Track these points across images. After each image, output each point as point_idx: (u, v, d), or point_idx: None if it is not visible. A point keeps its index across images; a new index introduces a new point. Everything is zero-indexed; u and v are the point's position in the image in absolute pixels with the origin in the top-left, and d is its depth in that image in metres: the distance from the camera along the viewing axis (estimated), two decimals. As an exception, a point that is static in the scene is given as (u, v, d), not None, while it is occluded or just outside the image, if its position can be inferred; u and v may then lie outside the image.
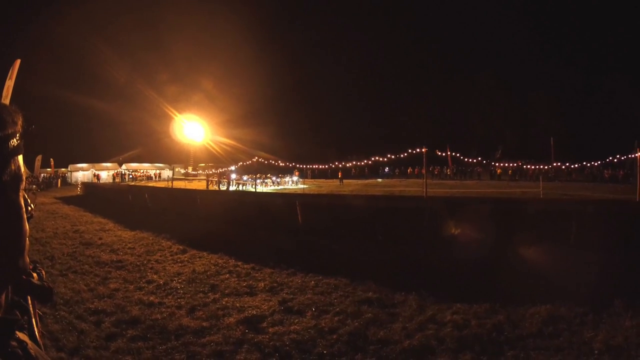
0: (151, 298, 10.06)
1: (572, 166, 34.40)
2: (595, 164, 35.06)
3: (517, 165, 40.86)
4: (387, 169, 74.20)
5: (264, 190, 38.40)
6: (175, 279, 11.78)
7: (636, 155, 20.83)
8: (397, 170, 72.67)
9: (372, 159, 34.66)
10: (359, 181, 56.00)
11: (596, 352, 7.29)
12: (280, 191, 38.84)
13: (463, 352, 7.00)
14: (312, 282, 10.74)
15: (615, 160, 32.07)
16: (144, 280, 11.67)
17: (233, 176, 43.81)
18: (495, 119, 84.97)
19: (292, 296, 9.77)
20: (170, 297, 10.19)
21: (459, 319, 8.36)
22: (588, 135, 72.29)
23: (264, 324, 8.18)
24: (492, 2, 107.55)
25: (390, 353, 6.98)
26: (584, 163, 33.38)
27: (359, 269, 11.66)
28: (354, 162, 36.67)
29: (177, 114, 57.18)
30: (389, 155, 32.62)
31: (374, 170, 67.70)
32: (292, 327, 7.91)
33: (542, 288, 10.36)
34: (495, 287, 10.37)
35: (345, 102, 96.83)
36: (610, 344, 7.56)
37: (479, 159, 36.61)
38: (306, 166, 44.06)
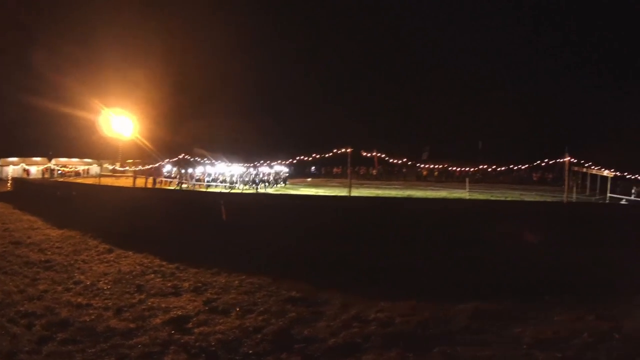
0: (79, 299, 10.24)
1: (499, 169, 35.98)
2: (523, 167, 37.08)
3: (444, 167, 42.29)
4: (313, 169, 75.61)
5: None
6: (102, 279, 12.01)
7: (565, 159, 22.05)
8: (323, 170, 74.41)
9: (297, 158, 34.89)
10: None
11: (525, 346, 7.64)
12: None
13: (389, 349, 7.21)
14: (236, 282, 11.03)
15: (543, 164, 33.81)
16: (71, 281, 11.89)
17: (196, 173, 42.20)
18: (424, 121, 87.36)
19: (216, 296, 10.01)
20: (97, 298, 10.40)
21: (384, 316, 8.63)
22: (517, 139, 75.66)
23: (190, 325, 8.37)
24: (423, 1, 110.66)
25: (315, 351, 7.16)
26: (511, 166, 35.26)
27: (283, 267, 12.04)
28: (280, 162, 36.70)
29: (104, 107, 55.16)
30: (314, 155, 33.04)
31: (299, 170, 68.40)
32: (217, 327, 8.10)
33: (468, 285, 10.82)
34: (420, 285, 10.80)
35: (273, 101, 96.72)
36: (540, 338, 7.94)
37: (404, 160, 37.51)
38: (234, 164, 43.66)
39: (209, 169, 43.68)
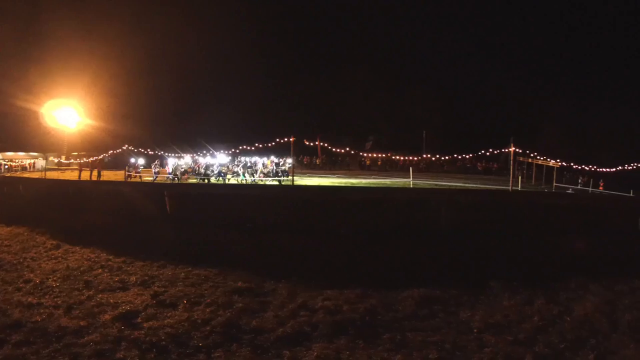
0: (30, 299, 10.07)
1: (443, 158, 36.58)
2: (467, 156, 37.85)
3: (387, 156, 42.70)
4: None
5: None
6: (51, 276, 11.80)
7: (510, 149, 22.55)
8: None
9: (240, 147, 34.61)
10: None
11: (475, 330, 7.83)
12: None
13: (338, 337, 7.29)
14: (183, 274, 11.02)
15: (488, 153, 34.55)
16: (21, 280, 11.67)
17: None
18: (369, 111, 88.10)
19: (163, 289, 10.00)
20: (47, 296, 10.26)
21: (331, 304, 8.71)
22: (462, 130, 77.21)
23: (139, 319, 8.37)
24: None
25: (265, 341, 7.21)
26: (455, 155, 35.96)
27: (229, 258, 12.07)
28: (223, 151, 36.25)
29: (50, 99, 53.16)
30: (256, 144, 32.98)
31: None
32: (166, 321, 8.11)
33: (414, 272, 11.11)
34: (366, 273, 10.97)
35: (214, 91, 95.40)
36: (490, 322, 8.18)
37: (347, 149, 37.68)
38: (175, 155, 42.95)
39: (205, 160, 42.22)
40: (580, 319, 8.52)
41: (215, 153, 37.05)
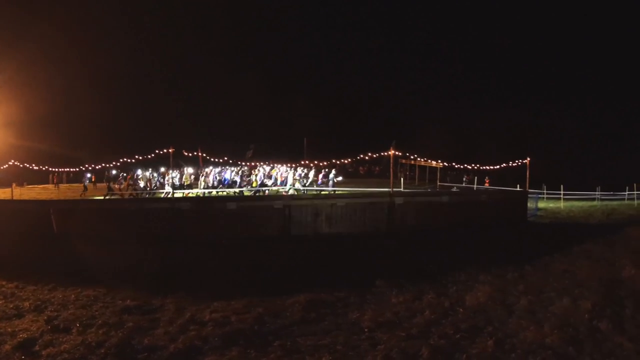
0: None
1: (322, 163, 37.46)
2: (347, 161, 38.94)
3: (268, 164, 43.22)
4: (139, 172, 73.25)
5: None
6: None
7: (391, 152, 23.26)
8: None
9: (121, 160, 33.78)
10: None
11: (366, 330, 7.89)
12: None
13: (229, 349, 7.24)
14: (73, 296, 10.70)
15: (367, 157, 35.60)
16: None
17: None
18: (249, 118, 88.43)
19: (56, 313, 9.63)
20: None
21: (219, 316, 8.71)
22: (345, 135, 79.10)
23: (37, 347, 7.95)
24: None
25: (158, 359, 7.10)
26: (334, 160, 37.03)
27: (117, 276, 11.92)
28: (104, 165, 35.16)
29: None
30: (136, 157, 32.59)
31: (128, 173, 65.95)
32: (62, 347, 7.77)
33: (300, 277, 11.43)
34: (251, 282, 11.21)
35: (92, 100, 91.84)
36: (380, 320, 8.27)
37: (225, 158, 37.62)
38: (59, 170, 40.99)
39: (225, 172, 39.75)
40: (473, 309, 8.77)
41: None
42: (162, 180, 38.08)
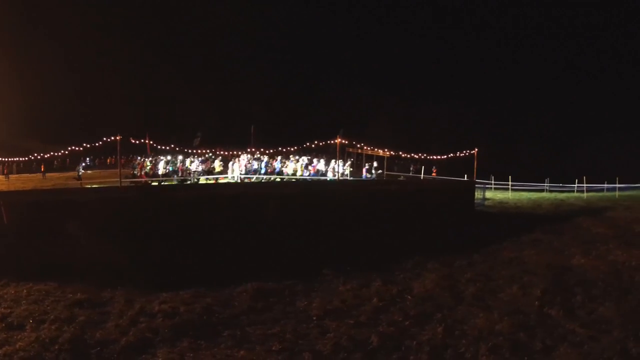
0: None
1: (269, 151, 37.66)
2: (292, 148, 39.21)
3: (215, 150, 42.92)
4: (88, 160, 71.50)
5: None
6: None
7: (337, 141, 23.34)
8: (96, 161, 71.26)
9: (70, 148, 33.09)
10: (62, 174, 53.60)
11: (315, 317, 7.99)
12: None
13: (180, 340, 7.24)
14: (25, 291, 10.38)
15: (313, 146, 35.75)
16: None
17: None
18: (197, 105, 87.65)
19: (9, 310, 9.36)
20: None
21: (168, 307, 8.66)
22: (293, 124, 79.22)
23: None
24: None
25: (111, 353, 7.04)
26: (280, 148, 37.20)
27: (67, 270, 11.58)
28: (52, 153, 34.41)
29: None
30: (84, 145, 32.05)
31: (76, 162, 64.26)
32: (18, 345, 7.59)
33: (247, 266, 11.48)
34: (198, 271, 11.21)
35: (40, 89, 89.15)
36: (328, 308, 8.39)
37: (172, 146, 37.27)
38: (9, 160, 39.81)
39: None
40: (422, 296, 8.96)
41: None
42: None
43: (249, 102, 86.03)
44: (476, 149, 25.48)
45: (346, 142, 29.64)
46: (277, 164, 37.82)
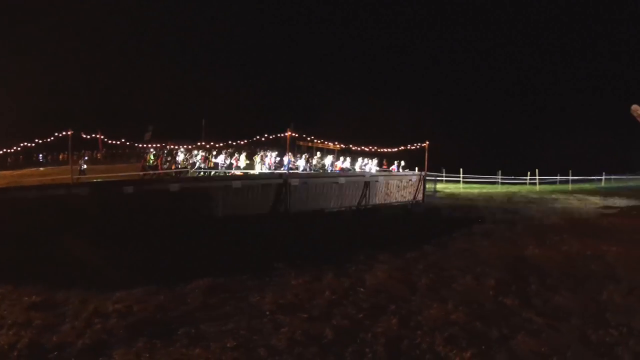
0: None
1: (219, 144, 37.68)
2: (242, 142, 39.30)
3: (164, 145, 42.54)
4: (41, 156, 69.82)
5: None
6: None
7: (287, 134, 23.43)
8: (49, 157, 69.73)
9: (22, 145, 32.41)
10: (15, 172, 52.27)
11: (268, 312, 8.03)
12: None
13: (136, 340, 7.18)
14: None
15: (264, 139, 35.93)
16: None
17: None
18: (147, 100, 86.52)
19: None
20: None
21: (122, 307, 8.59)
22: (243, 117, 78.93)
23: None
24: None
25: (68, 357, 6.94)
26: (229, 142, 37.28)
27: (23, 271, 11.35)
28: (5, 150, 33.58)
29: None
30: (36, 140, 31.44)
31: (29, 158, 62.45)
32: None
33: (198, 262, 11.56)
34: (149, 269, 11.13)
35: None
36: (281, 302, 8.46)
37: (123, 140, 36.79)
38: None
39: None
40: (375, 288, 9.11)
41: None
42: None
43: (201, 95, 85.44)
44: (427, 142, 25.75)
45: (297, 135, 29.56)
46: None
